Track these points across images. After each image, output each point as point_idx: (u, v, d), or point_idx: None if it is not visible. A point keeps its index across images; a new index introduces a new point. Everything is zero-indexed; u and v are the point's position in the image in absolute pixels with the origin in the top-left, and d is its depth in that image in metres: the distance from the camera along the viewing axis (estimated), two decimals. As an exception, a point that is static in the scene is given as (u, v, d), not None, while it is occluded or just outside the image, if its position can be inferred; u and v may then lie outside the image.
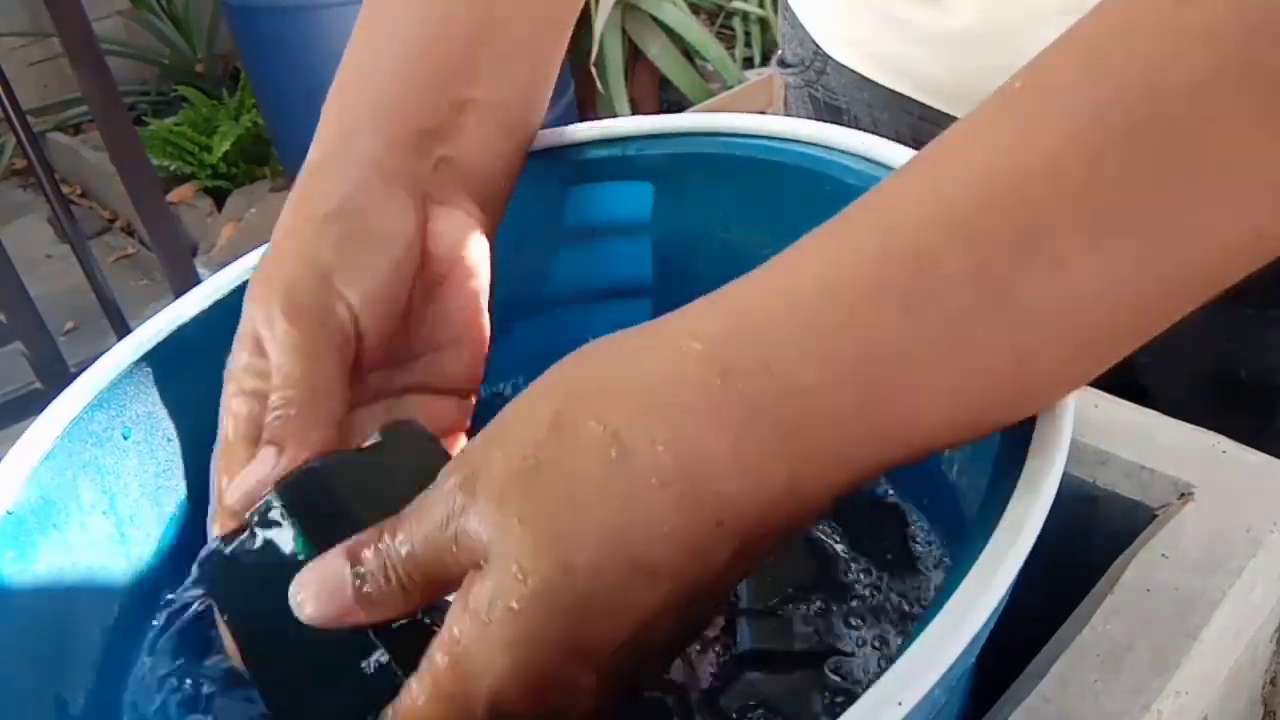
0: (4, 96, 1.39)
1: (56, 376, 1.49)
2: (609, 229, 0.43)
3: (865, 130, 0.54)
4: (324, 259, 0.33)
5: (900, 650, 0.22)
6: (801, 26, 0.58)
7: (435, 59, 0.38)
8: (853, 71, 0.55)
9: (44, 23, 1.44)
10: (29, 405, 1.51)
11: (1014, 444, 0.26)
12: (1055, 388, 0.26)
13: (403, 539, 0.27)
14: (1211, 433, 0.35)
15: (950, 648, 0.21)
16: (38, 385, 1.53)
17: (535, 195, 0.42)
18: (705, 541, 0.25)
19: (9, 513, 0.32)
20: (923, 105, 0.51)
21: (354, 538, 0.28)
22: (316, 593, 0.27)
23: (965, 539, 0.25)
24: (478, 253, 0.37)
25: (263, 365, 0.32)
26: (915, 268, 0.24)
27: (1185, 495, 0.33)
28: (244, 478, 0.31)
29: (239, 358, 0.33)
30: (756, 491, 0.25)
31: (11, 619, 0.31)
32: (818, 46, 0.56)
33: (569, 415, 0.25)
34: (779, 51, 0.63)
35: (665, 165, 0.41)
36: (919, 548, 0.37)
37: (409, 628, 0.28)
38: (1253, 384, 0.48)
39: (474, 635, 0.25)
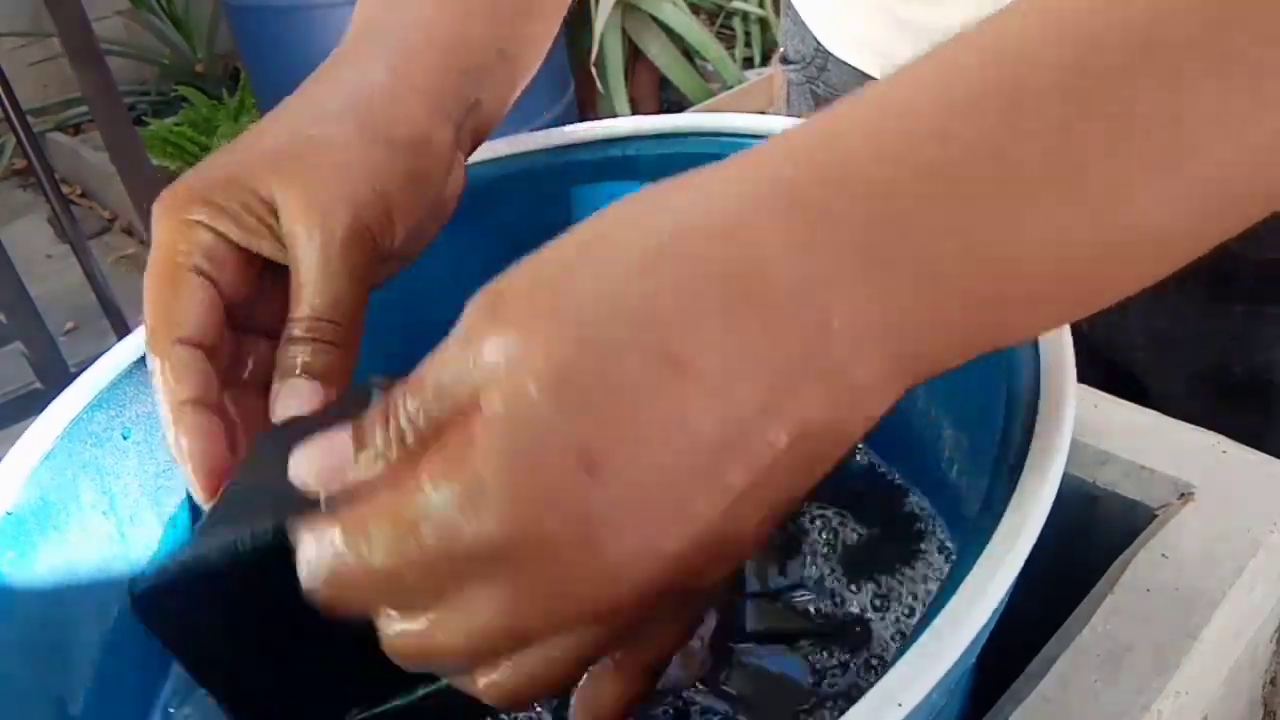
0: (4, 96, 1.39)
1: (56, 377, 1.49)
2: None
3: None
4: (390, 192, 0.32)
5: (900, 650, 0.22)
6: (803, 24, 0.58)
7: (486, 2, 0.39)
8: (853, 68, 0.55)
9: (44, 23, 1.44)
10: (29, 405, 1.51)
11: (1014, 444, 0.26)
12: (1163, 228, 0.23)
13: (413, 402, 0.23)
14: (1212, 433, 0.35)
15: (950, 649, 0.21)
16: (38, 385, 1.53)
17: (536, 196, 0.42)
18: (752, 352, 0.22)
19: (9, 513, 0.32)
20: None
21: (368, 411, 0.24)
22: (317, 470, 0.24)
23: (965, 539, 0.25)
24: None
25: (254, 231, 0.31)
26: (1015, 75, 0.22)
27: (1185, 495, 0.33)
28: (284, 409, 0.30)
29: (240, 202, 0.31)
30: (822, 292, 0.22)
31: (11, 619, 0.31)
32: (819, 43, 0.57)
33: (610, 230, 0.23)
34: (780, 49, 0.63)
35: (666, 166, 0.41)
36: (925, 540, 0.37)
37: None
38: (1249, 382, 0.48)
39: (467, 442, 0.21)
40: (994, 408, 0.28)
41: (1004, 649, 0.27)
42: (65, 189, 2.00)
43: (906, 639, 0.22)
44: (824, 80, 0.58)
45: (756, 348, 0.22)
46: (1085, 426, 0.36)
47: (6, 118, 1.41)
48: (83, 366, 0.36)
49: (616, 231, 0.23)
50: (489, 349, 0.22)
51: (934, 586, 0.36)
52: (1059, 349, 0.27)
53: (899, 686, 0.21)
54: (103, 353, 0.36)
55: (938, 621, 0.22)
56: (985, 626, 0.22)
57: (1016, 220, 0.22)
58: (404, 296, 0.44)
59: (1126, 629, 0.30)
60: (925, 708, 0.21)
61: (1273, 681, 0.34)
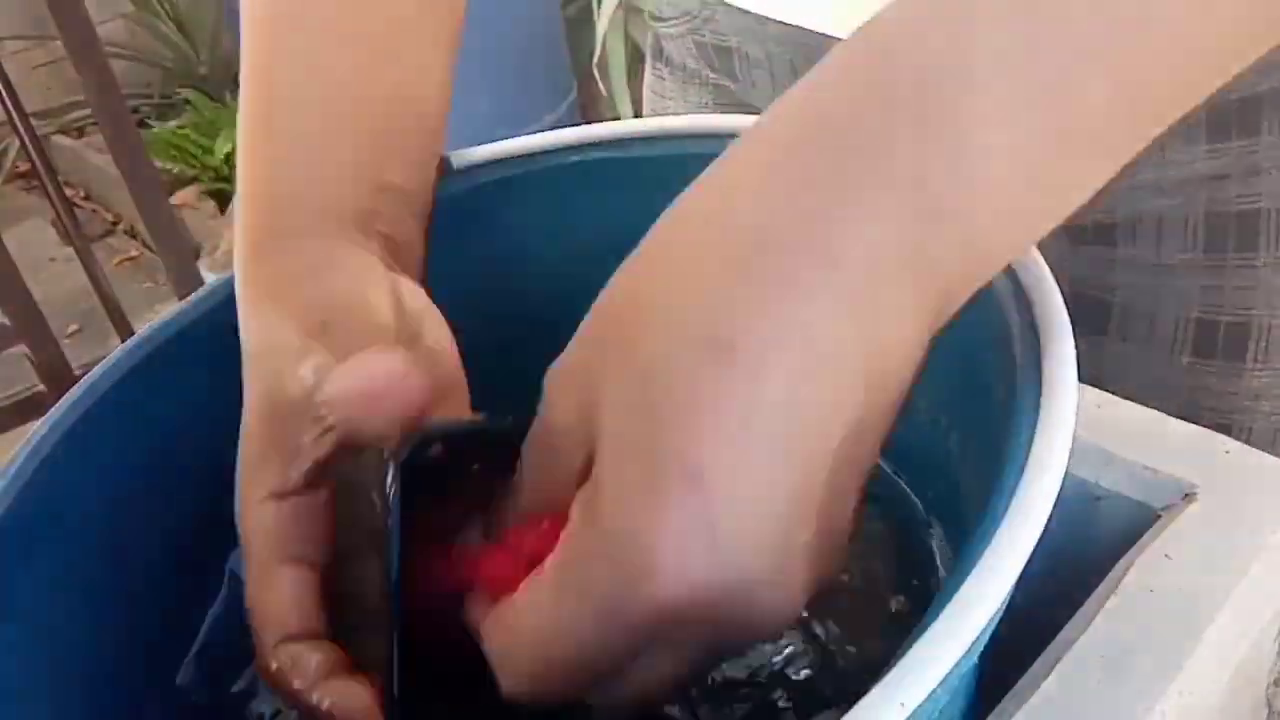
0: (7, 99, 1.39)
1: (60, 379, 1.50)
2: (610, 231, 0.43)
3: (758, 64, 0.56)
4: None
5: (902, 650, 0.22)
6: None
7: (360, 135, 0.36)
8: (746, 12, 0.55)
9: (47, 26, 1.44)
10: (32, 408, 1.51)
11: (1017, 443, 0.26)
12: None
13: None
14: (1215, 433, 0.35)
15: (954, 647, 0.21)
16: (41, 388, 1.53)
17: (540, 198, 0.42)
18: (785, 330, 0.23)
19: (11, 515, 0.32)
20: (818, 34, 0.52)
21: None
22: None
23: (967, 538, 0.25)
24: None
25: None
26: None
27: (1189, 496, 0.33)
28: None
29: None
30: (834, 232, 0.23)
31: (12, 624, 0.31)
32: None
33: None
34: (644, 9, 0.63)
35: (667, 166, 0.41)
36: (928, 541, 0.37)
37: None
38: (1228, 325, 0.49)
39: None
40: (995, 406, 0.28)
41: (1006, 649, 0.27)
42: (69, 192, 2.00)
43: (908, 637, 0.22)
44: (710, 29, 0.58)
45: (789, 315, 0.23)
46: (1088, 427, 0.36)
47: (10, 121, 1.41)
48: (86, 369, 0.36)
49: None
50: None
51: (933, 585, 0.36)
52: (1061, 349, 0.27)
53: (901, 685, 0.21)
54: (106, 355, 0.36)
55: (941, 620, 0.22)
56: (986, 628, 0.22)
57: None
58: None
59: (1129, 629, 0.30)
60: (928, 707, 0.21)
61: (1277, 682, 0.34)
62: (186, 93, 2.46)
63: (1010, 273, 0.29)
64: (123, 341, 0.37)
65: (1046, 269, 0.29)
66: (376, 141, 0.37)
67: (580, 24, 2.07)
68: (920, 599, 0.36)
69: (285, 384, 0.32)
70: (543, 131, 0.43)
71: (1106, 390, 0.37)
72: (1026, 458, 0.25)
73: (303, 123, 0.36)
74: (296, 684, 0.30)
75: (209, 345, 0.35)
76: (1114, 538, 0.33)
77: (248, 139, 0.36)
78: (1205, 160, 0.47)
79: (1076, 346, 0.27)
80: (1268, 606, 0.31)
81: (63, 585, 0.33)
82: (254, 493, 0.31)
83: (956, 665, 0.21)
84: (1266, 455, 0.34)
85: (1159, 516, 0.33)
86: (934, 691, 0.21)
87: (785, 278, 0.23)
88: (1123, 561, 0.32)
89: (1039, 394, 0.26)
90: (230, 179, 2.29)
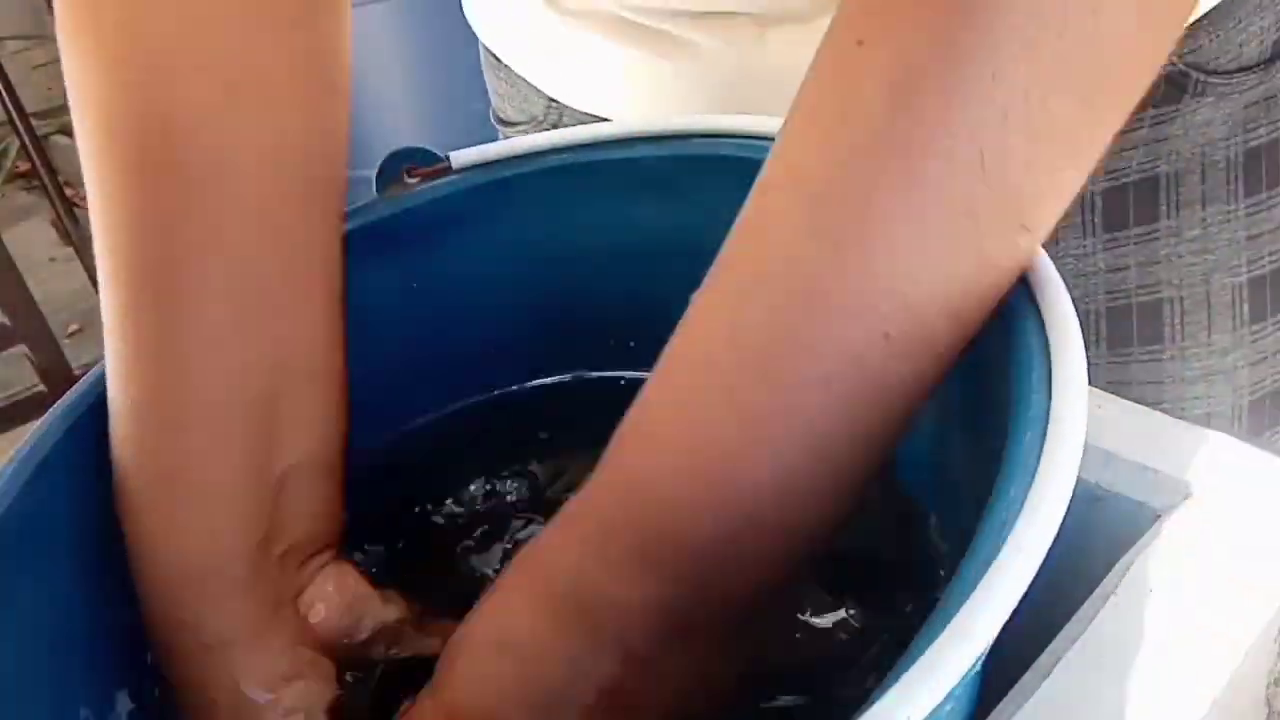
0: (8, 99, 1.39)
1: (60, 379, 1.50)
2: (610, 231, 0.43)
3: None
4: None
5: (907, 659, 0.22)
6: (529, 85, 0.57)
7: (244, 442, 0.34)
8: (596, 117, 0.55)
9: (47, 26, 1.44)
10: (32, 408, 1.51)
11: (1026, 451, 0.25)
12: None
13: None
14: (1216, 433, 0.35)
15: (959, 660, 0.21)
16: (41, 388, 1.53)
17: (540, 199, 0.42)
18: (562, 623, 0.29)
19: (11, 515, 0.32)
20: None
21: None
22: None
23: (971, 541, 0.25)
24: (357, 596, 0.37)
25: None
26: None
27: (1189, 496, 0.33)
28: None
29: None
30: (595, 561, 0.29)
31: (12, 624, 0.31)
32: (551, 100, 0.57)
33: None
34: (491, 112, 0.63)
35: (668, 167, 0.41)
36: (929, 541, 0.37)
37: None
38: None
39: None
40: (1003, 408, 0.28)
41: (1007, 650, 0.27)
42: (69, 192, 2.00)
43: (911, 647, 0.22)
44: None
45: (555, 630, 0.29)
46: (1089, 427, 0.36)
47: (10, 121, 1.41)
48: (86, 369, 0.36)
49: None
50: None
51: (935, 585, 0.36)
52: (1068, 350, 0.27)
53: (906, 697, 0.21)
54: (106, 355, 0.36)
55: (948, 630, 0.22)
56: (994, 635, 0.22)
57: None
58: (412, 302, 0.45)
59: (1130, 629, 0.30)
60: (934, 718, 0.21)
61: (1277, 681, 0.34)
62: (186, 92, 2.45)
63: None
64: (123, 341, 0.36)
65: (1054, 269, 0.29)
66: (264, 428, 0.34)
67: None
68: (921, 600, 0.36)
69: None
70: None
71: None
72: (1036, 464, 0.24)
73: (182, 442, 0.34)
74: None
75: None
76: (1114, 538, 0.33)
77: (124, 433, 0.34)
78: (1104, 252, 0.48)
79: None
80: (1267, 606, 0.31)
81: (63, 585, 0.33)
82: None
83: (963, 677, 0.21)
84: (1267, 455, 0.34)
85: (1159, 516, 0.33)
86: (943, 703, 0.21)
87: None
88: (1123, 561, 0.32)
89: (1048, 396, 0.26)
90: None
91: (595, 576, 0.29)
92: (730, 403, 0.28)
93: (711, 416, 0.28)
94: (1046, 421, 0.25)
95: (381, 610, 0.37)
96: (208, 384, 0.33)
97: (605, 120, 0.53)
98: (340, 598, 0.36)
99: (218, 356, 0.33)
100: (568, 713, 0.29)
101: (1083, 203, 0.48)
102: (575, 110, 0.56)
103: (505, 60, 0.58)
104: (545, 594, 0.30)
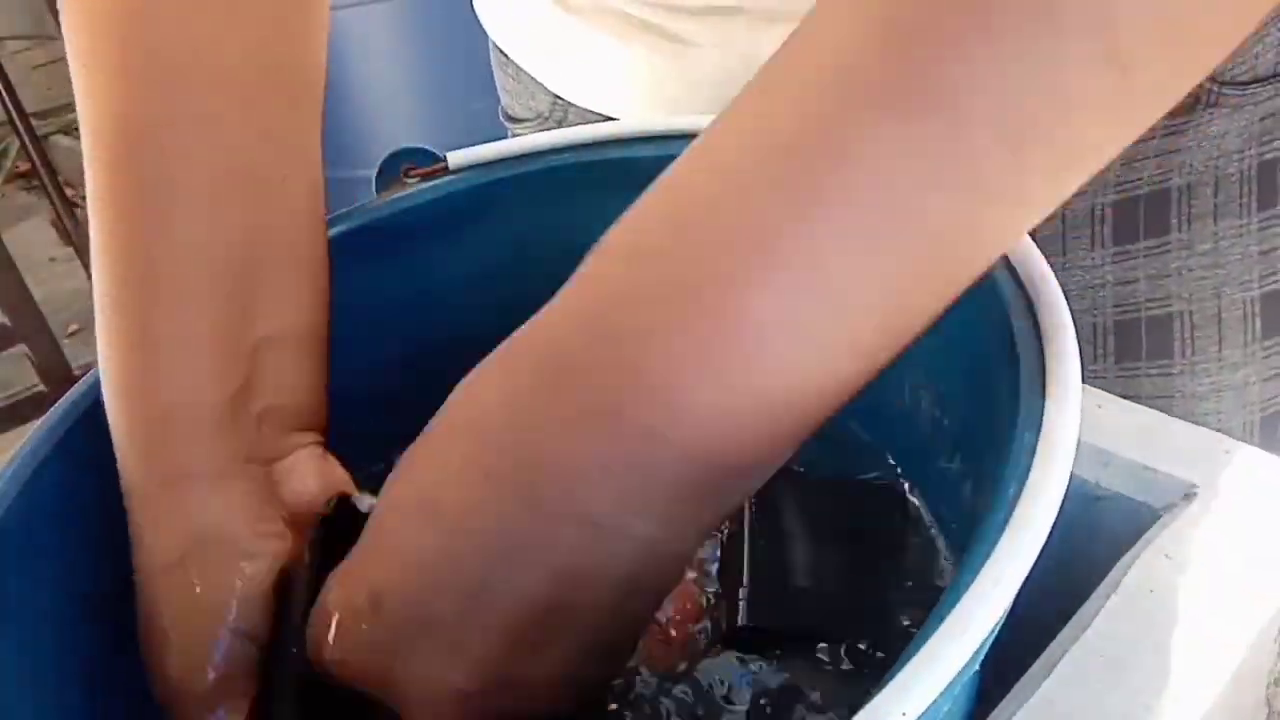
0: (8, 99, 1.40)
1: (60, 379, 1.50)
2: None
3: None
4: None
5: (904, 657, 0.22)
6: (535, 82, 0.57)
7: (216, 305, 0.34)
8: (596, 113, 0.55)
9: (47, 26, 1.44)
10: (32, 407, 1.51)
11: (1020, 446, 0.25)
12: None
13: None
14: (1216, 433, 0.35)
15: (957, 655, 0.21)
16: (41, 387, 1.53)
17: (538, 199, 0.42)
18: (497, 486, 0.25)
19: (11, 515, 0.32)
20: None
21: None
22: None
23: (968, 539, 0.25)
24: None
25: None
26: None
27: (1189, 495, 0.33)
28: None
29: None
30: (530, 430, 0.25)
31: (12, 624, 0.31)
32: (557, 96, 0.57)
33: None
34: (500, 109, 0.63)
35: (666, 167, 0.41)
36: (928, 537, 0.37)
37: None
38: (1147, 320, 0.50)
39: None
40: (999, 407, 0.28)
41: (1006, 650, 0.27)
42: (69, 192, 2.00)
43: (910, 644, 0.22)
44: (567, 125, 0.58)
45: (488, 495, 0.25)
46: (1088, 426, 0.36)
47: (10, 121, 1.41)
48: (86, 368, 0.36)
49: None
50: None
51: (936, 591, 0.36)
52: (1063, 349, 0.27)
53: (903, 695, 0.21)
54: (106, 355, 0.36)
55: (943, 627, 0.22)
56: (992, 633, 0.22)
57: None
58: (412, 302, 0.45)
59: (1130, 630, 0.30)
60: (931, 715, 0.21)
61: (1277, 681, 0.34)
62: (186, 92, 2.45)
63: (1011, 269, 0.29)
64: (123, 341, 0.36)
65: (1047, 266, 0.29)
66: (239, 294, 0.34)
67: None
68: (920, 600, 0.36)
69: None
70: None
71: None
72: (1031, 460, 0.25)
73: (159, 307, 0.34)
74: None
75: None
76: (1114, 538, 0.33)
77: (107, 315, 0.34)
78: (1112, 265, 0.48)
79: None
80: (1268, 607, 0.31)
81: (63, 585, 0.33)
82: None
83: (959, 675, 0.21)
84: (1267, 455, 0.34)
85: (1160, 517, 0.33)
86: (936, 700, 0.21)
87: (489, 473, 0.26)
88: (1123, 561, 0.32)
89: (1042, 394, 0.26)
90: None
91: (539, 432, 0.25)
92: (744, 208, 0.24)
93: (724, 222, 0.24)
94: (1040, 422, 0.26)
95: (359, 501, 0.35)
96: (184, 245, 0.34)
97: (610, 118, 0.54)
98: (317, 478, 0.35)
99: (194, 223, 0.34)
100: (502, 596, 0.25)
101: (1092, 215, 0.47)
102: (580, 107, 0.56)
103: (513, 57, 0.58)
104: (479, 450, 0.26)
